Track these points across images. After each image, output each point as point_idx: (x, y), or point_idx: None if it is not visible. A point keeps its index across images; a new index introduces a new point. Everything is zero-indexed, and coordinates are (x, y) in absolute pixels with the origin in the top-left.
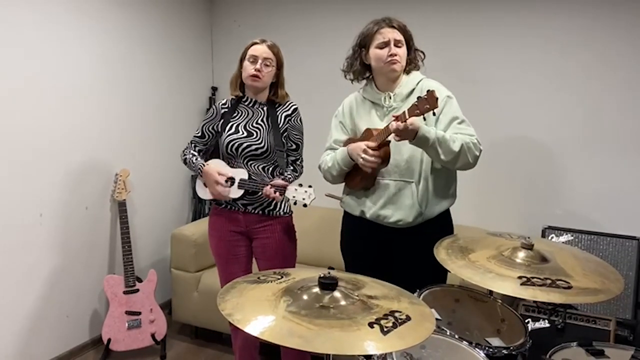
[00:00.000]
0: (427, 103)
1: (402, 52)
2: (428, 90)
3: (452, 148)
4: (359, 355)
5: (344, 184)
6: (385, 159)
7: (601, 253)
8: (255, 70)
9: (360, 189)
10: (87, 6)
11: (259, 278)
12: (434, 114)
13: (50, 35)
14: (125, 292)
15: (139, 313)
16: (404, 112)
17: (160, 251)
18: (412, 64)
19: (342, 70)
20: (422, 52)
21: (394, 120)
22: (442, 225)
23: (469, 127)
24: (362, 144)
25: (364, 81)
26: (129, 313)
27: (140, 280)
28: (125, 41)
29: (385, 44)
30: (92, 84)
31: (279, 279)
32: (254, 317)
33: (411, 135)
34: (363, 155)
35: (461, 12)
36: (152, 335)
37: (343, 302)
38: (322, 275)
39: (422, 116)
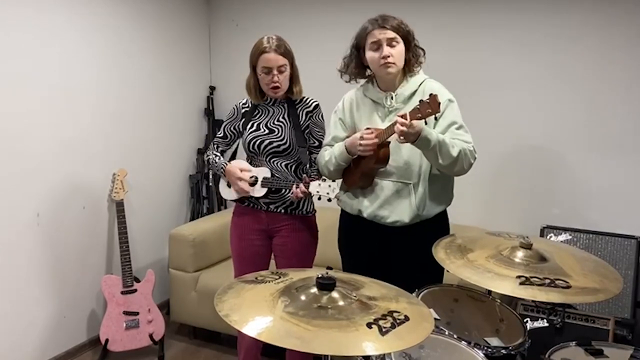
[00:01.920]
0: (429, 107)
1: (397, 51)
2: (431, 94)
3: (451, 153)
4: (357, 356)
5: (341, 181)
6: (384, 160)
7: (600, 252)
8: (273, 83)
9: (357, 188)
10: (83, 8)
11: (256, 278)
12: (435, 118)
13: (47, 35)
14: (123, 292)
15: (137, 313)
16: (405, 115)
17: (158, 251)
18: (412, 62)
19: (338, 70)
20: (422, 49)
21: (400, 117)
22: (439, 225)
23: (466, 133)
24: (358, 134)
25: (362, 80)
26: (126, 313)
27: (138, 281)
28: (123, 40)
29: (378, 46)
30: (90, 83)
31: (276, 279)
32: (252, 317)
33: (414, 137)
34: (360, 142)
35: (461, 13)
36: (150, 336)
37: (341, 303)
38: (320, 276)
39: (423, 120)
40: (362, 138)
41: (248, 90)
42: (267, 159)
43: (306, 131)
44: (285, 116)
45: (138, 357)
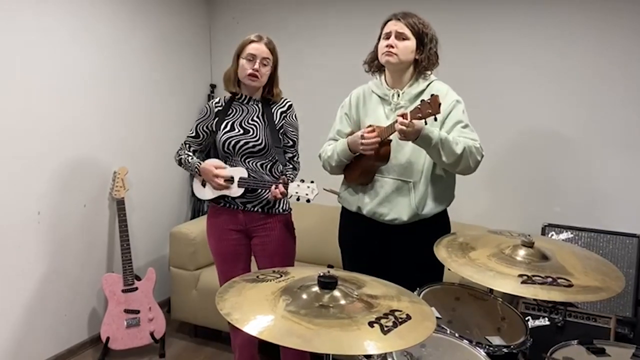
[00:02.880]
0: (430, 108)
1: (403, 45)
2: (432, 95)
3: (454, 150)
4: (359, 355)
5: (342, 178)
6: (384, 158)
7: (601, 250)
8: (253, 69)
9: (358, 184)
10: (84, 4)
11: (257, 277)
12: (435, 119)
13: (47, 33)
14: (123, 291)
15: (138, 311)
16: (405, 114)
17: (159, 249)
18: (423, 63)
19: (364, 61)
20: (436, 52)
21: (400, 116)
22: (439, 224)
23: (472, 132)
24: (359, 133)
25: (376, 74)
26: (127, 311)
27: (139, 279)
28: (123, 39)
29: (388, 36)
30: (90, 81)
31: (278, 277)
32: (253, 316)
33: (414, 135)
34: (361, 141)
35: (462, 13)
36: (151, 334)
37: (343, 301)
38: (321, 274)
39: (423, 120)
40: (363, 137)
41: (226, 79)
42: (242, 159)
43: (280, 131)
44: (260, 116)
45: (139, 355)
